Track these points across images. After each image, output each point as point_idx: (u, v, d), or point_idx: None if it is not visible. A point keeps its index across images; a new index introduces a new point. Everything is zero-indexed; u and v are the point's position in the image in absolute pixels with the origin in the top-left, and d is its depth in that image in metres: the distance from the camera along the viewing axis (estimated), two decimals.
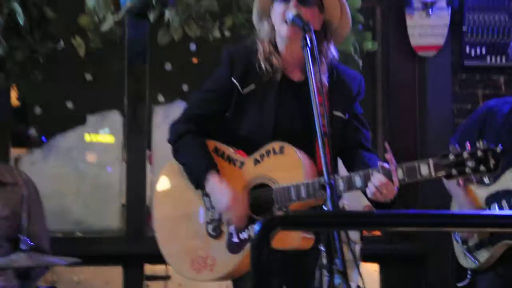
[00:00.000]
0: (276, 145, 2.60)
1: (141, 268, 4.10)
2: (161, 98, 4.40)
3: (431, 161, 2.37)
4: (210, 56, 4.17)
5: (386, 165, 2.43)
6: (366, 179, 2.45)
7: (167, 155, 4.24)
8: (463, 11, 4.21)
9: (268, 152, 2.61)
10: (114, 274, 4.09)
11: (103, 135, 4.49)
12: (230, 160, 2.70)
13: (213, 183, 2.64)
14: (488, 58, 4.25)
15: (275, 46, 2.70)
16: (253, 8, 2.79)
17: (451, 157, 2.35)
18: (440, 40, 4.17)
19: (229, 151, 2.71)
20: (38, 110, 4.38)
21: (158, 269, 4.17)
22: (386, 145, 2.50)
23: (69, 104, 4.39)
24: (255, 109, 2.69)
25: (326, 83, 2.69)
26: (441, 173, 2.37)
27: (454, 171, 2.36)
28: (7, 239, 3.31)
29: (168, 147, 3.85)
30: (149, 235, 4.02)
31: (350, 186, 2.49)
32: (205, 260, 2.68)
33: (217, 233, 2.66)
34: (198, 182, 2.68)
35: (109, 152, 4.38)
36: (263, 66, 2.67)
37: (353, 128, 2.73)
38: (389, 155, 2.44)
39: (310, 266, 2.58)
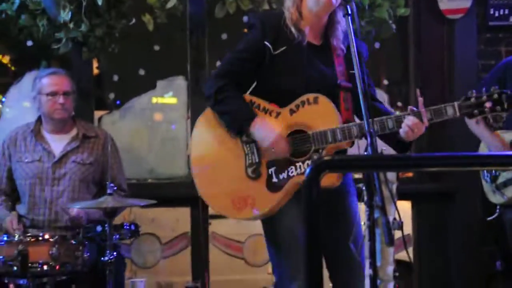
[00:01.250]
0: (310, 96, 2.61)
1: (206, 208, 4.08)
2: (218, 64, 4.24)
3: (456, 103, 2.47)
4: None
5: (414, 108, 2.50)
6: (399, 121, 2.49)
7: None
8: None
9: (303, 103, 2.61)
10: (183, 214, 4.18)
11: (168, 97, 4.50)
12: (266, 111, 2.67)
13: (260, 124, 2.61)
14: (511, 18, 4.17)
15: (300, 14, 2.67)
16: None
17: (472, 99, 2.45)
18: (466, 3, 4.09)
19: (264, 103, 2.68)
20: (115, 77, 4.38)
21: None
22: (418, 91, 2.57)
23: (141, 72, 4.37)
24: (288, 67, 2.67)
25: (344, 48, 2.71)
26: (464, 112, 2.48)
27: (475, 111, 2.46)
28: (94, 183, 3.51)
29: None
30: None
31: (382, 128, 2.52)
32: (246, 199, 2.65)
33: (256, 175, 2.63)
34: (243, 128, 2.62)
35: (175, 112, 4.38)
36: (293, 30, 2.66)
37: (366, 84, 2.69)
38: (420, 100, 2.50)
39: (341, 202, 2.69)
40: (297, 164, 2.60)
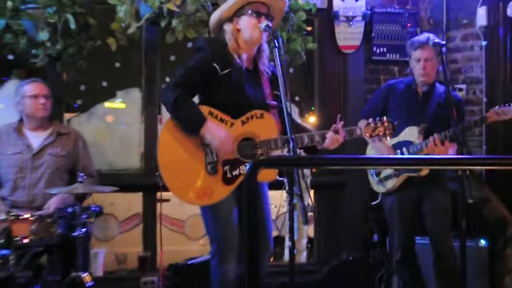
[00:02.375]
0: (258, 112, 2.65)
1: (155, 194, 4.08)
2: (167, 80, 4.26)
3: (361, 127, 2.68)
4: None
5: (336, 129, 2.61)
6: (323, 136, 2.60)
7: None
8: (372, 24, 4.28)
9: (252, 116, 2.65)
10: (136, 198, 4.13)
11: (124, 104, 4.41)
12: (222, 120, 2.65)
13: (210, 126, 2.58)
14: (388, 55, 4.34)
15: (237, 43, 2.68)
16: (215, 16, 2.76)
17: (371, 125, 2.67)
18: (357, 42, 4.23)
19: (221, 114, 2.65)
20: (82, 87, 4.34)
21: (165, 194, 4.11)
22: (338, 116, 2.65)
23: (104, 83, 4.35)
24: (233, 87, 2.66)
25: (269, 72, 2.76)
26: (367, 134, 2.67)
27: (373, 133, 2.67)
28: (66, 172, 3.44)
29: None
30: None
31: (312, 140, 2.61)
32: (205, 191, 2.64)
33: (214, 171, 2.62)
34: (196, 129, 2.56)
35: (131, 117, 4.32)
36: (234, 56, 2.67)
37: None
38: (339, 123, 2.62)
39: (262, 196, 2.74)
40: (246, 164, 2.60)
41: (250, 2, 2.67)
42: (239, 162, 2.63)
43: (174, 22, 3.61)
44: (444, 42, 3.16)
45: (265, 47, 2.74)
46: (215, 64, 2.64)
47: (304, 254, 3.33)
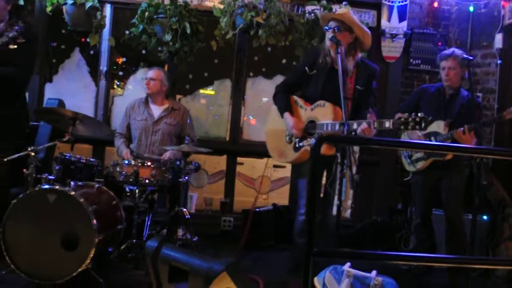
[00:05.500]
0: (321, 102, 2.62)
1: (235, 158, 4.19)
2: (251, 74, 4.34)
3: (391, 120, 2.38)
4: (277, 53, 4.22)
5: (369, 119, 2.44)
6: (359, 124, 2.43)
7: (252, 103, 4.35)
8: (411, 41, 4.14)
9: (318, 105, 2.64)
10: (222, 159, 4.22)
11: (212, 90, 4.42)
12: (300, 107, 2.72)
13: (286, 115, 2.69)
14: (422, 65, 4.18)
15: (329, 50, 2.63)
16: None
17: (402, 119, 2.31)
18: (397, 54, 4.12)
19: (301, 102, 2.71)
20: (190, 76, 4.36)
21: (241, 159, 4.27)
22: (370, 110, 2.55)
23: (205, 74, 4.39)
24: (314, 84, 2.68)
25: (351, 70, 2.64)
26: (396, 126, 2.35)
27: (402, 127, 2.32)
28: (175, 137, 3.50)
29: (253, 98, 3.91)
30: (240, 141, 4.18)
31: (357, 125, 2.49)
32: (282, 153, 2.76)
33: (290, 141, 2.72)
34: (282, 114, 2.72)
35: (224, 99, 4.33)
36: (321, 60, 2.65)
37: (365, 95, 2.67)
38: (370, 115, 2.49)
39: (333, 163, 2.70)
40: (309, 139, 2.65)
41: (330, 18, 2.68)
42: (304, 137, 2.67)
43: (260, 31, 3.64)
44: (471, 58, 3.00)
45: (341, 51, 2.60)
46: (306, 67, 2.70)
47: (349, 211, 3.33)
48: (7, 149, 2.81)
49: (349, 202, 3.32)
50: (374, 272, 2.23)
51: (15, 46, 2.71)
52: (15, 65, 2.84)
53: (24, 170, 2.66)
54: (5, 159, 2.70)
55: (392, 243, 3.72)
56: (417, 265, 3.04)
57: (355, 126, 2.43)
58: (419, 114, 2.30)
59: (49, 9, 3.72)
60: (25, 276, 2.38)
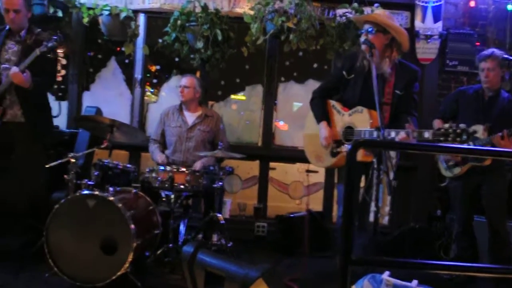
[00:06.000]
0: (359, 108, 2.55)
1: (268, 163, 4.18)
2: (282, 79, 4.31)
3: (431, 131, 2.22)
4: (308, 58, 4.18)
5: (407, 129, 2.34)
6: (397, 133, 2.35)
7: (284, 108, 4.32)
8: (447, 41, 4.01)
9: (355, 111, 2.58)
10: (255, 165, 4.20)
11: (243, 95, 4.43)
12: (338, 112, 2.67)
13: (322, 124, 2.66)
14: (459, 67, 4.04)
15: (365, 53, 2.55)
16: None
17: (442, 130, 2.15)
18: (433, 56, 4.01)
19: (339, 106, 2.67)
20: (222, 82, 4.39)
21: (273, 164, 4.24)
22: (409, 119, 2.46)
23: (237, 80, 4.40)
24: (352, 88, 2.63)
25: (388, 73, 2.55)
26: (435, 138, 2.19)
27: (442, 138, 2.16)
28: (208, 143, 3.52)
29: (284, 103, 3.87)
30: (272, 147, 4.16)
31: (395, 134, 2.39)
32: (320, 157, 2.73)
33: (326, 147, 2.69)
34: (317, 121, 2.71)
35: (255, 105, 4.32)
36: (358, 64, 2.60)
37: (405, 100, 2.57)
38: (408, 125, 2.39)
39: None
40: (346, 145, 2.61)
41: (364, 21, 2.64)
42: (341, 143, 2.65)
43: (291, 36, 3.61)
44: None
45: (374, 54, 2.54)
46: (343, 72, 2.67)
47: (386, 218, 3.25)
48: (39, 152, 3.00)
49: (387, 208, 3.23)
50: (415, 282, 2.16)
51: (50, 56, 2.84)
52: (48, 73, 2.97)
53: (65, 176, 2.75)
54: (47, 165, 2.80)
55: (432, 251, 3.59)
56: (459, 274, 2.91)
57: (393, 134, 2.35)
58: (460, 126, 2.16)
59: (86, 20, 3.84)
60: (67, 279, 2.45)
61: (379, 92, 2.38)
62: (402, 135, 2.32)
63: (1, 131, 2.95)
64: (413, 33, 3.99)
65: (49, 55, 2.89)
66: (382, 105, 2.51)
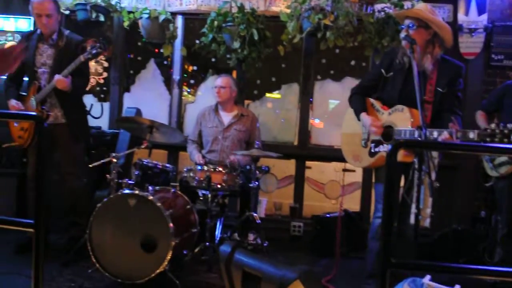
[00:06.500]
0: (400, 106, 2.47)
1: (304, 162, 4.13)
2: (318, 77, 4.24)
3: (476, 131, 2.15)
4: (346, 55, 4.12)
5: (451, 128, 2.24)
6: (440, 133, 2.27)
7: (320, 106, 4.25)
8: (492, 35, 3.81)
9: (396, 110, 2.50)
10: (291, 164, 4.17)
11: (277, 94, 4.41)
12: (377, 110, 2.60)
13: (363, 115, 2.58)
14: (504, 61, 3.84)
15: (406, 49, 2.47)
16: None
17: (488, 131, 2.09)
18: (477, 50, 3.82)
19: (378, 105, 2.60)
20: (258, 81, 4.35)
21: (309, 163, 4.18)
22: (453, 118, 2.36)
23: (273, 79, 4.38)
24: (391, 86, 2.55)
25: (430, 69, 2.46)
26: (481, 139, 2.13)
27: (488, 139, 2.11)
28: (244, 142, 3.54)
29: (321, 101, 3.81)
30: (309, 146, 4.12)
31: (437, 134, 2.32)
32: (358, 157, 2.67)
33: (365, 146, 2.62)
34: (358, 115, 2.62)
35: (291, 104, 4.30)
36: (398, 61, 2.52)
37: (448, 98, 2.47)
38: (452, 125, 2.28)
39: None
40: (385, 145, 2.54)
41: (404, 16, 2.54)
42: (381, 142, 2.57)
43: (328, 34, 3.55)
44: None
45: (416, 50, 2.46)
46: (382, 69, 2.60)
47: (428, 220, 3.13)
48: (81, 151, 3.11)
49: (428, 210, 3.11)
50: (457, 287, 2.07)
51: (93, 62, 2.94)
52: (84, 75, 3.08)
53: (107, 175, 2.84)
54: (90, 165, 2.91)
55: (475, 254, 3.43)
56: (504, 280, 2.77)
57: (435, 134, 2.27)
58: (508, 126, 2.06)
59: (126, 23, 3.94)
60: (109, 275, 2.54)
61: (421, 90, 2.29)
62: (445, 135, 2.24)
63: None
64: (456, 27, 3.83)
65: (92, 61, 2.98)
66: (424, 103, 2.42)
